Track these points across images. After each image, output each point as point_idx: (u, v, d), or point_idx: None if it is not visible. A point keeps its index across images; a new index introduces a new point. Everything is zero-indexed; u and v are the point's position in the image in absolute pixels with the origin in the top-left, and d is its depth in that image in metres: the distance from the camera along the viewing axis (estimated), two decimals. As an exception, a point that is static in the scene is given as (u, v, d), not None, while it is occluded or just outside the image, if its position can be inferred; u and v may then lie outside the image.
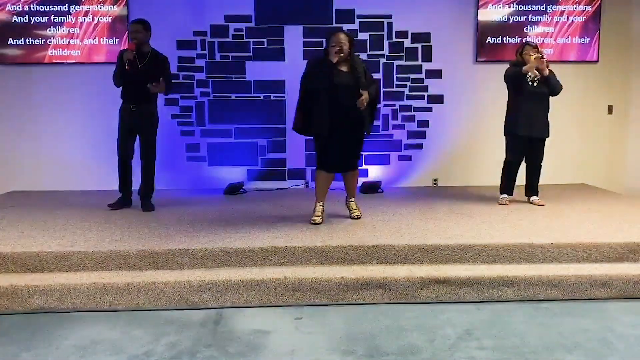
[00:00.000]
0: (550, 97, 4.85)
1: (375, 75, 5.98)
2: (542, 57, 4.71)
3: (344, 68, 4.10)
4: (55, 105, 5.96)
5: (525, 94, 4.78)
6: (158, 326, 3.03)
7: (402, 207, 4.88)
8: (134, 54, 4.52)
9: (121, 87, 4.70)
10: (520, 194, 5.07)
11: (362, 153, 4.44)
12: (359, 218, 4.36)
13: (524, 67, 4.72)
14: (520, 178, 5.05)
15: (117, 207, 4.80)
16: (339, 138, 4.11)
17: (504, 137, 4.98)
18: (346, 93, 4.03)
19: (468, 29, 6.08)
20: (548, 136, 4.90)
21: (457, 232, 3.92)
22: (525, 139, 4.84)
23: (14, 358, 2.70)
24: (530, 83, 4.77)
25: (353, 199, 4.43)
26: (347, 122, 4.08)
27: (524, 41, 5.39)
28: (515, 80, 4.81)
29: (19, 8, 5.78)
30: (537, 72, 4.75)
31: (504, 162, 5.02)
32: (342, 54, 4.01)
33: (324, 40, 4.40)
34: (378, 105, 4.97)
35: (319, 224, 4.17)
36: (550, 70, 4.79)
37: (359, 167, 4.50)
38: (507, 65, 4.98)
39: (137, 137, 4.77)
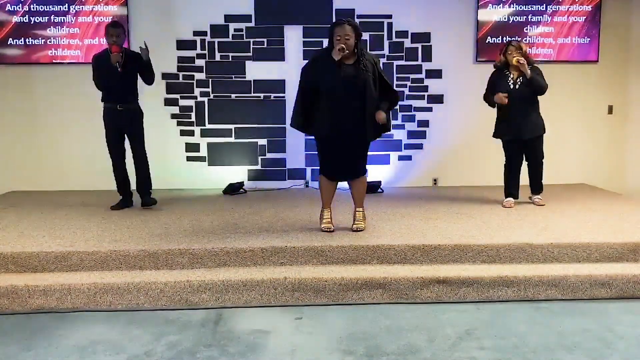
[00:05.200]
0: (539, 96, 4.73)
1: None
2: (520, 60, 4.53)
3: (349, 61, 3.73)
4: (55, 105, 5.95)
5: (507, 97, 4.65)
6: (158, 326, 3.03)
7: (402, 207, 4.88)
8: (120, 55, 4.60)
9: (102, 91, 4.75)
10: (521, 193, 5.04)
11: (367, 154, 4.02)
12: (361, 231, 3.94)
13: (494, 97, 4.64)
14: (524, 179, 5.01)
15: (119, 208, 4.83)
16: (342, 141, 3.81)
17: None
18: (350, 90, 3.71)
19: (468, 29, 6.08)
20: (543, 133, 4.80)
21: (457, 232, 3.92)
22: (517, 141, 4.78)
23: (14, 358, 2.70)
24: (512, 86, 4.68)
25: (360, 209, 4.06)
26: (350, 123, 3.75)
27: (506, 41, 5.26)
28: (493, 86, 4.74)
29: (19, 8, 5.78)
30: (518, 73, 4.65)
31: (504, 165, 4.97)
32: (346, 51, 3.65)
33: (324, 40, 4.32)
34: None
35: (332, 231, 3.93)
36: (536, 68, 4.68)
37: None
38: None
39: (125, 136, 4.83)
